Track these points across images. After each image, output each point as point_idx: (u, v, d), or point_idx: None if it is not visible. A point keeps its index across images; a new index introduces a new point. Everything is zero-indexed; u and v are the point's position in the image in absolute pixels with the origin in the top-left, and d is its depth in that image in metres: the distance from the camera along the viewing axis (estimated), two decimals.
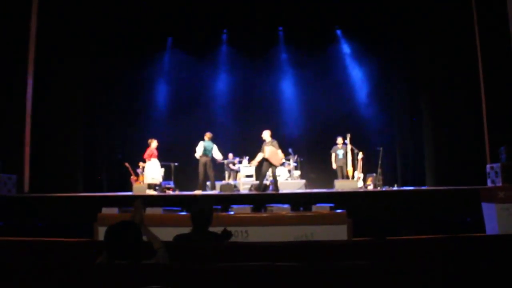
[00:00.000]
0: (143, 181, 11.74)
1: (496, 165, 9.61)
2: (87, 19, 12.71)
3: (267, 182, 12.61)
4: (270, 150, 10.79)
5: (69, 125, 12.34)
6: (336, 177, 12.39)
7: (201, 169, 11.26)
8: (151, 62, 15.24)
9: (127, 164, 12.68)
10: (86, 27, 12.73)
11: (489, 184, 9.78)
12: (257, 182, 11.79)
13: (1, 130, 10.77)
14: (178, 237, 4.09)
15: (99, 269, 2.83)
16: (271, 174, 11.05)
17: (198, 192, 10.88)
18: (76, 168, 12.53)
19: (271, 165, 10.87)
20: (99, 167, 13.74)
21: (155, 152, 11.52)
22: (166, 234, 5.38)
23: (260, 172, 11.16)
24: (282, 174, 13.69)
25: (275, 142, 10.93)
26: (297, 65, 15.26)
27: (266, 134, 11.12)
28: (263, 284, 2.62)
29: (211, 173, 11.42)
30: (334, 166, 12.61)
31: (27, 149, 11.28)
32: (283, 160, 12.19)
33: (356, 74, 15.08)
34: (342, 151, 12.41)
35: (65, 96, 12.23)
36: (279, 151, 10.88)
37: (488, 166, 10.09)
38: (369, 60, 14.69)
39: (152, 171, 11.40)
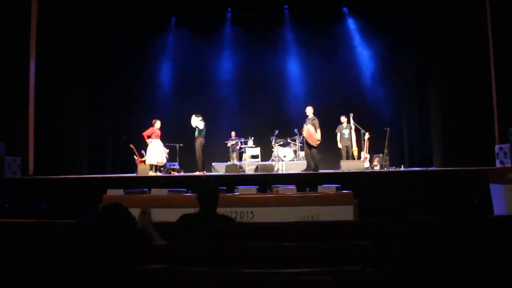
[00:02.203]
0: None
1: (505, 146, 9.49)
2: None
3: (272, 162, 12.61)
4: (308, 130, 10.82)
5: (73, 106, 12.29)
6: (342, 158, 12.30)
7: (199, 149, 11.25)
8: (155, 42, 15.14)
9: (132, 146, 12.65)
10: (88, 6, 12.56)
11: (498, 165, 9.68)
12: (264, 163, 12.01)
13: (4, 112, 10.73)
14: (184, 217, 4.02)
15: (106, 250, 2.77)
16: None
17: (199, 173, 10.86)
18: (81, 150, 12.50)
19: (308, 144, 10.91)
20: (104, 148, 13.70)
21: (158, 133, 11.48)
22: (172, 215, 5.34)
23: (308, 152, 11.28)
24: (287, 154, 13.62)
25: (315, 121, 10.99)
26: (303, 44, 15.07)
27: (309, 111, 11.18)
28: (269, 264, 2.56)
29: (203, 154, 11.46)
30: (340, 145, 12.46)
31: (31, 131, 11.26)
32: (291, 140, 12.19)
33: (363, 53, 14.84)
34: (347, 130, 12.25)
35: (68, 77, 12.14)
36: (318, 130, 10.85)
37: (497, 146, 9.98)
38: (376, 38, 14.48)
39: (152, 152, 11.37)
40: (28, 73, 11.23)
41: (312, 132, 10.82)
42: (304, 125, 11.07)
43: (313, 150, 11.04)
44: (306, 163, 11.53)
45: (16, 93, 11.08)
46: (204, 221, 3.86)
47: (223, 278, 2.02)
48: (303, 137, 11.21)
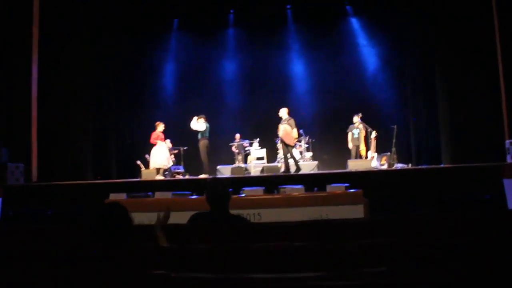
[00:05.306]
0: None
1: None
2: (91, 1, 12.47)
3: (278, 164, 12.47)
4: (284, 129, 10.60)
5: (76, 111, 12.17)
6: (349, 157, 12.14)
7: (203, 152, 11.13)
8: (158, 45, 15.04)
9: (139, 162, 12.56)
10: (90, 10, 12.49)
11: (509, 160, 9.49)
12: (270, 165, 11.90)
13: (7, 118, 10.63)
14: (197, 216, 3.87)
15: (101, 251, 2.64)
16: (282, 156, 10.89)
17: (205, 176, 10.72)
18: (85, 155, 12.39)
19: (285, 144, 10.70)
20: (108, 153, 13.58)
21: (161, 136, 11.37)
22: (176, 218, 5.19)
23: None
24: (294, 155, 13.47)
25: (291, 121, 10.72)
26: (307, 44, 14.94)
27: (283, 112, 10.91)
28: (279, 264, 2.41)
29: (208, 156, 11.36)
30: (350, 145, 12.31)
31: (34, 137, 11.13)
32: (296, 141, 12.02)
33: (368, 51, 14.68)
34: (357, 130, 12.13)
35: (71, 82, 12.04)
36: (295, 130, 10.66)
37: (507, 141, 9.79)
38: (381, 35, 14.31)
39: (155, 156, 11.25)
40: (31, 78, 11.12)
41: (289, 130, 10.62)
42: (280, 125, 10.83)
43: (291, 149, 10.87)
44: (294, 165, 11.07)
45: (18, 99, 10.98)
46: (216, 220, 3.73)
47: (228, 285, 1.86)
48: (280, 137, 10.99)
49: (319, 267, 2.19)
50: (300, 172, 10.72)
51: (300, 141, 13.48)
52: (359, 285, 1.88)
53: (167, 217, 3.37)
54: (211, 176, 10.63)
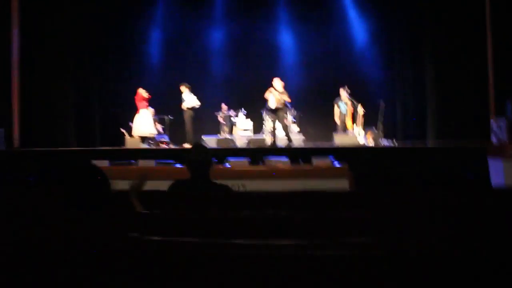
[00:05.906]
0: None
1: (502, 120, 9.28)
2: None
3: (264, 135, 12.43)
4: (269, 96, 10.61)
5: (60, 77, 11.95)
6: (335, 130, 12.08)
7: (188, 122, 11.10)
8: (142, 12, 14.62)
9: (122, 130, 12.33)
10: None
11: (493, 139, 9.49)
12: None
13: None
14: (177, 183, 3.76)
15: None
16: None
17: (189, 146, 10.66)
18: (68, 122, 12.19)
19: (275, 112, 10.62)
20: (91, 120, 13.35)
21: (142, 102, 11.25)
22: (159, 187, 5.11)
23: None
24: (280, 130, 13.34)
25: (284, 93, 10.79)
26: (295, 14, 14.64)
27: (278, 85, 10.91)
28: (261, 233, 2.36)
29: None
30: (336, 118, 12.22)
31: (16, 103, 10.90)
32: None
33: (357, 24, 14.49)
34: (345, 106, 12.02)
35: (54, 47, 11.80)
36: (285, 95, 10.68)
37: (492, 121, 9.80)
38: (370, 9, 14.12)
39: (139, 123, 11.14)
40: (11, 42, 10.81)
41: (276, 94, 10.60)
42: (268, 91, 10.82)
43: (281, 116, 10.88)
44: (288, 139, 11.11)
45: None
46: (197, 188, 3.62)
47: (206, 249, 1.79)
48: (268, 108, 10.93)
49: (303, 236, 2.14)
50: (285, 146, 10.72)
51: (286, 113, 13.30)
52: (344, 254, 1.84)
53: (142, 183, 3.18)
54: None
